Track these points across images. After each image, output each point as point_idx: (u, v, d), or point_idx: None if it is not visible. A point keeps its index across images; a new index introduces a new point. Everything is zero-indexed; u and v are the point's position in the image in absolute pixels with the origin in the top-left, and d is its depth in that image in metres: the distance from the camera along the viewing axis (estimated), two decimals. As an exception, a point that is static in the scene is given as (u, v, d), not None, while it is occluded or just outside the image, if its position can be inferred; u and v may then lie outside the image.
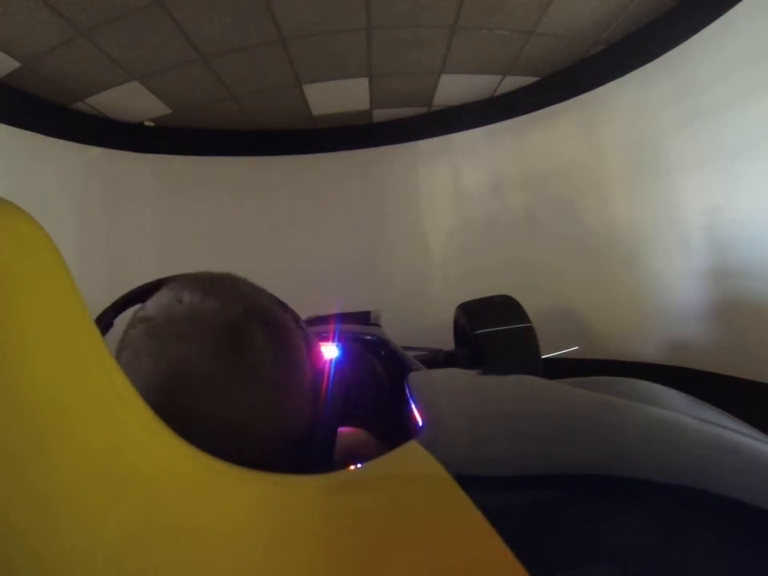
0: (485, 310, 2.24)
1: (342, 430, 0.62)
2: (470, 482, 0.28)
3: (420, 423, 0.48)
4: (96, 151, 3.77)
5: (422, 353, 2.12)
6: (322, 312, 2.05)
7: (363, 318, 2.05)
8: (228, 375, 0.35)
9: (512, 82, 3.77)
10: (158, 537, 0.21)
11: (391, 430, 0.67)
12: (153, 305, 0.38)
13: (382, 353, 1.53)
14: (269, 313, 0.39)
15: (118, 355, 0.36)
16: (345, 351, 1.49)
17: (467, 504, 0.25)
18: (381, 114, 4.19)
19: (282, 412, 0.37)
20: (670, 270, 3.10)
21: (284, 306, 0.43)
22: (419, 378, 0.75)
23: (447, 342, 2.49)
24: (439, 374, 0.94)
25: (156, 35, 2.74)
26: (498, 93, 3.94)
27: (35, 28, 2.54)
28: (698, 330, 2.90)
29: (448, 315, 2.51)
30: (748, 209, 2.56)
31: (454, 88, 3.79)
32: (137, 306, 0.40)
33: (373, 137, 4.33)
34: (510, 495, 0.29)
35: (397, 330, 2.05)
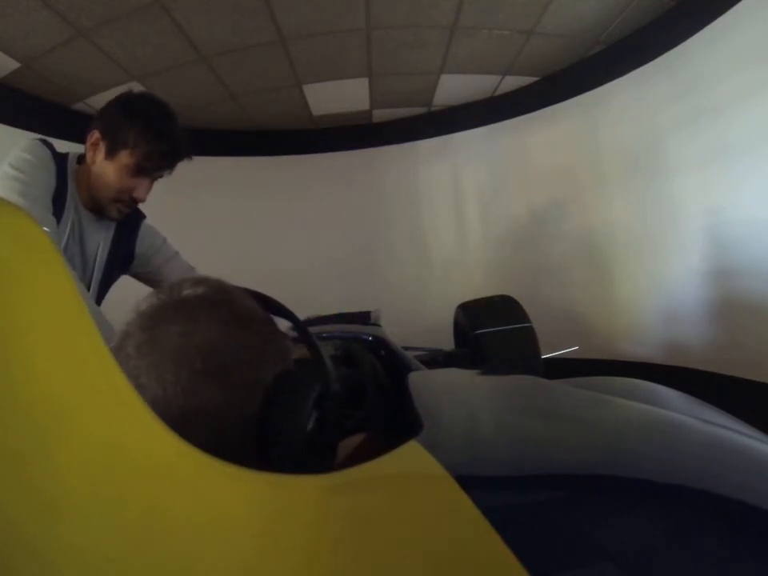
0: (485, 310, 2.24)
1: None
2: (470, 482, 0.28)
3: (420, 423, 0.48)
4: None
5: (422, 353, 2.11)
6: (322, 312, 2.05)
7: (363, 318, 2.05)
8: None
9: (512, 82, 3.77)
10: (159, 536, 0.21)
11: (391, 430, 0.67)
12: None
13: (382, 353, 1.53)
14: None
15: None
16: (344, 351, 1.49)
17: (467, 504, 0.25)
18: (381, 114, 4.19)
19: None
20: (670, 270, 3.10)
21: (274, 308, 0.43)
22: (419, 378, 0.75)
23: (447, 342, 2.48)
24: (439, 374, 0.94)
25: (156, 35, 2.74)
26: (497, 93, 3.94)
27: (35, 28, 2.54)
28: (698, 330, 2.90)
29: (448, 315, 2.50)
30: (748, 209, 2.55)
31: (453, 88, 3.79)
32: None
33: (373, 137, 4.33)
34: (510, 495, 0.29)
35: (397, 330, 2.05)
